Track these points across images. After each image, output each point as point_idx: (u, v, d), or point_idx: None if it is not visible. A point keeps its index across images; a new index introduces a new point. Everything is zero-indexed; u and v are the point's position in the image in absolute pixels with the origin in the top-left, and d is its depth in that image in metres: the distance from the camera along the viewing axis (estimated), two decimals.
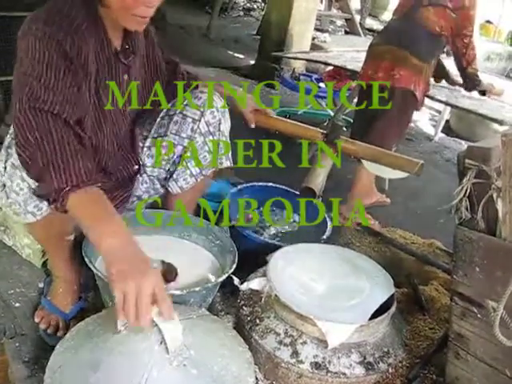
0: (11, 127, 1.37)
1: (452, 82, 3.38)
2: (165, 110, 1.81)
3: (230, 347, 1.32)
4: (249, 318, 1.53)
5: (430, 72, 2.95)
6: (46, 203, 1.41)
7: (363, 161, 2.52)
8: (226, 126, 1.78)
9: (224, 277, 1.55)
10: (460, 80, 3.16)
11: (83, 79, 1.40)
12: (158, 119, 1.81)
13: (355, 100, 3.37)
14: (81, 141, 1.34)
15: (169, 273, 1.57)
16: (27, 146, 1.25)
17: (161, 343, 1.21)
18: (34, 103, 1.27)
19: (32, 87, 1.28)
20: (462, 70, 3.00)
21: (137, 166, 1.77)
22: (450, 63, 3.16)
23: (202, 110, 1.73)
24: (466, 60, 2.91)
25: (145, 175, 1.84)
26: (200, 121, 1.73)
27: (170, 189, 1.84)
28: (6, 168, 1.40)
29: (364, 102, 3.03)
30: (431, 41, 2.83)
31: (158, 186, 1.88)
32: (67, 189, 1.23)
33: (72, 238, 1.59)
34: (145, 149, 1.81)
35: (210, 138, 1.75)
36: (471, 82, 3.07)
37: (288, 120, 2.09)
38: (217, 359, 1.26)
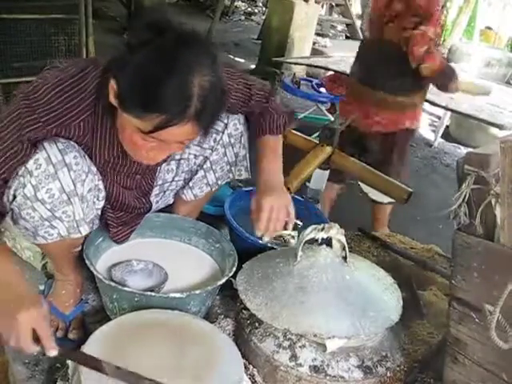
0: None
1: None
2: None
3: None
4: (248, 322, 1.54)
5: (423, 96, 2.68)
6: (56, 230, 1.43)
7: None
8: (246, 137, 1.79)
9: (223, 280, 1.56)
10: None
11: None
12: None
13: None
14: None
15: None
16: None
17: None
18: None
19: None
20: (413, 69, 2.49)
21: (148, 206, 1.77)
22: None
23: (225, 121, 1.72)
24: (412, 58, 2.43)
25: (158, 190, 1.82)
26: (223, 132, 1.73)
27: (184, 196, 1.85)
28: (15, 197, 1.37)
29: (359, 146, 2.73)
30: (407, 63, 2.45)
31: (170, 197, 1.90)
32: None
33: (79, 248, 1.60)
34: (163, 164, 1.75)
35: (231, 148, 1.76)
36: (439, 79, 2.59)
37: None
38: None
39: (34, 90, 1.30)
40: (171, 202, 1.93)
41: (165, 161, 1.65)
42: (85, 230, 1.49)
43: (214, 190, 1.86)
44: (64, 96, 1.31)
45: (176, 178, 1.82)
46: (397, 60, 2.49)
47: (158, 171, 1.72)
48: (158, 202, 1.86)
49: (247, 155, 1.84)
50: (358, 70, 2.75)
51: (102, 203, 1.60)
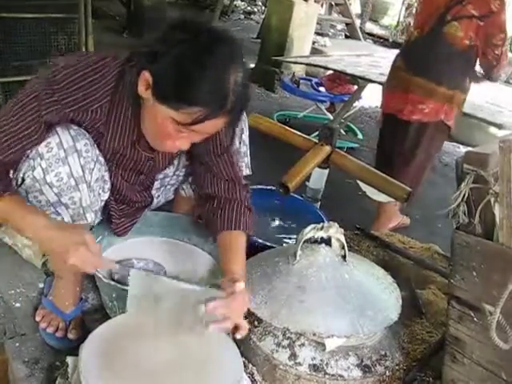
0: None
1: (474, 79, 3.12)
2: None
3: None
4: (247, 320, 1.54)
5: (464, 95, 2.81)
6: (60, 217, 1.45)
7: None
8: (246, 134, 1.80)
9: None
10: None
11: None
12: None
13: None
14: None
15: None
16: None
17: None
18: None
19: None
20: (491, 78, 2.85)
21: (149, 199, 1.78)
22: None
23: None
24: (496, 71, 2.76)
25: (160, 185, 1.83)
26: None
27: (183, 191, 1.86)
28: (24, 180, 1.40)
29: (389, 136, 2.92)
30: (461, 60, 2.68)
31: (171, 193, 1.91)
32: None
33: None
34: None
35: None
36: (495, 80, 2.90)
37: (286, 127, 2.11)
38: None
39: (53, 73, 1.32)
40: (172, 197, 1.94)
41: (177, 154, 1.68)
42: (91, 217, 1.50)
43: None
44: (84, 82, 1.33)
45: (177, 173, 1.83)
46: (455, 56, 2.66)
47: (159, 167, 1.72)
48: (159, 196, 1.87)
49: (248, 152, 1.85)
50: (408, 60, 2.85)
51: (106, 195, 1.62)
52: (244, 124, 1.78)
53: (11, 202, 1.35)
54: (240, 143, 1.79)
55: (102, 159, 1.50)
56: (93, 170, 1.44)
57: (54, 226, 1.34)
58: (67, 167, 1.38)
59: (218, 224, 1.59)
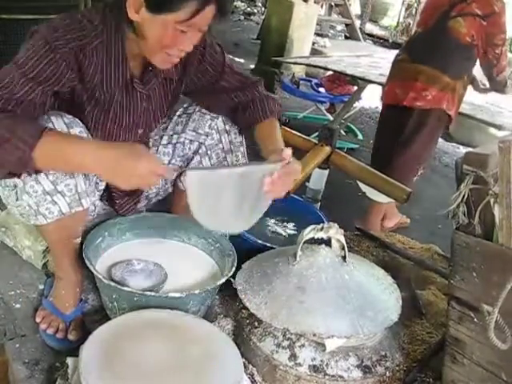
0: None
1: (477, 88, 3.26)
2: (182, 109, 1.84)
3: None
4: (247, 321, 1.54)
5: (465, 88, 2.87)
6: (57, 207, 1.44)
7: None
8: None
9: (223, 280, 1.56)
10: (486, 84, 3.08)
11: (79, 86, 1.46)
12: (175, 117, 1.83)
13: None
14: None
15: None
16: None
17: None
18: None
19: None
20: (492, 79, 2.92)
21: None
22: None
23: None
24: (496, 71, 2.83)
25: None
26: (218, 118, 1.77)
27: (181, 185, 1.86)
28: None
29: (389, 125, 2.95)
30: (463, 54, 2.74)
31: (168, 185, 1.91)
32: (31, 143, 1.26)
33: (79, 240, 1.61)
34: (160, 146, 1.83)
35: (226, 135, 1.79)
36: (499, 86, 2.99)
37: (286, 128, 2.10)
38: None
39: (51, 26, 1.39)
40: (170, 190, 1.95)
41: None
42: (86, 202, 1.50)
43: None
44: (78, 25, 1.41)
45: (172, 161, 1.85)
46: (458, 48, 2.72)
47: (157, 146, 1.77)
48: (157, 189, 1.89)
49: (243, 141, 1.85)
50: (412, 52, 2.90)
51: (104, 183, 1.66)
52: None
53: (56, 135, 1.35)
54: (235, 133, 1.81)
55: None
56: None
57: (107, 144, 1.43)
58: None
59: (250, 123, 1.73)
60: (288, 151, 1.44)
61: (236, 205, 1.46)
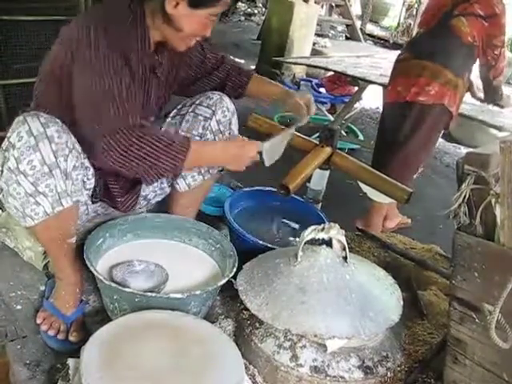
0: (8, 131, 1.41)
1: (474, 95, 3.32)
2: (175, 110, 1.86)
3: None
4: (248, 322, 1.54)
5: (465, 87, 2.88)
6: (42, 208, 1.45)
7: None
8: (236, 125, 1.85)
9: (224, 281, 1.56)
10: (481, 94, 3.13)
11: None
12: (169, 119, 1.86)
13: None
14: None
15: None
16: (128, 160, 1.44)
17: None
18: (120, 123, 1.43)
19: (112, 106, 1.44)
20: (488, 82, 2.95)
21: None
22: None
23: (213, 108, 1.79)
24: (493, 73, 2.85)
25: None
26: (211, 119, 1.79)
27: (177, 186, 1.88)
28: (2, 172, 1.42)
29: (390, 122, 2.95)
30: (465, 52, 2.76)
31: (165, 185, 1.92)
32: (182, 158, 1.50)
33: (74, 240, 1.61)
34: None
35: (220, 136, 1.80)
36: (493, 94, 3.05)
37: (285, 128, 2.10)
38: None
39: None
40: (168, 191, 1.96)
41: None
42: (67, 202, 1.49)
43: (206, 178, 1.88)
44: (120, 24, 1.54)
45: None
46: (460, 46, 2.74)
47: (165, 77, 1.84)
48: (154, 189, 1.90)
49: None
50: (414, 49, 2.92)
51: (92, 182, 1.65)
52: (232, 115, 1.83)
53: (195, 143, 1.58)
54: (229, 134, 1.83)
55: (78, 147, 1.52)
56: (68, 156, 1.45)
57: (224, 141, 1.79)
58: (39, 154, 1.39)
59: (239, 90, 1.99)
60: (296, 94, 1.94)
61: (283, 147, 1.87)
